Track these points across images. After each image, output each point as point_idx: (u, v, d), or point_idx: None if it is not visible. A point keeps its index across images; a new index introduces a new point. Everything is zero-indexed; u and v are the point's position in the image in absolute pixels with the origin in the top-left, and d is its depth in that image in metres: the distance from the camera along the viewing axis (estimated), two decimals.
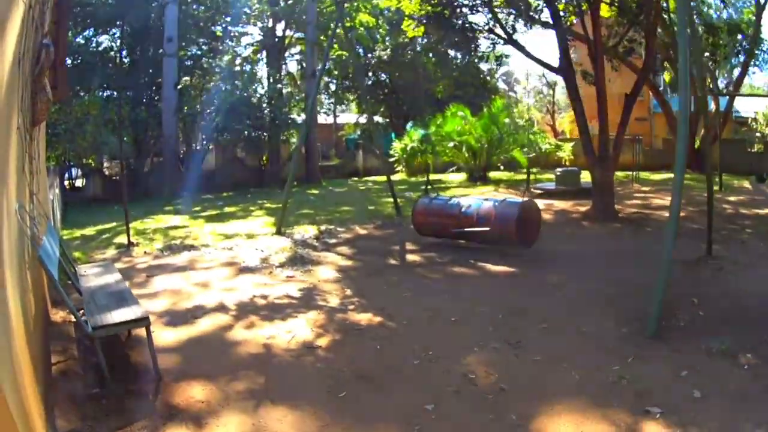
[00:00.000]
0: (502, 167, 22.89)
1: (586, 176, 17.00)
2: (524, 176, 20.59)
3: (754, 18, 21.61)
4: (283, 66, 30.64)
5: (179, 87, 21.45)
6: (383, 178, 22.99)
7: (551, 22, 12.66)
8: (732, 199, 14.38)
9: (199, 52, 25.34)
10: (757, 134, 25.56)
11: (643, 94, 32.97)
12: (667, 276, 5.16)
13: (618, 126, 12.35)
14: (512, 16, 14.76)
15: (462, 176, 21.44)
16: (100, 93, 21.73)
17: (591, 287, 6.52)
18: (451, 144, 20.80)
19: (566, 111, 42.22)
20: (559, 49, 12.45)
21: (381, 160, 18.85)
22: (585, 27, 13.00)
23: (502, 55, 15.91)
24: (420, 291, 6.59)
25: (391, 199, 13.15)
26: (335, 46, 30.55)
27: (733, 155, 19.57)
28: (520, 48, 14.68)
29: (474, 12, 14.53)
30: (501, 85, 44.81)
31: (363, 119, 33.73)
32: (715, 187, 16.63)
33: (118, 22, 22.95)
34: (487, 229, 8.21)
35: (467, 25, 14.49)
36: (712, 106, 24.45)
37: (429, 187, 10.56)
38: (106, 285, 5.20)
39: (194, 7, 24.67)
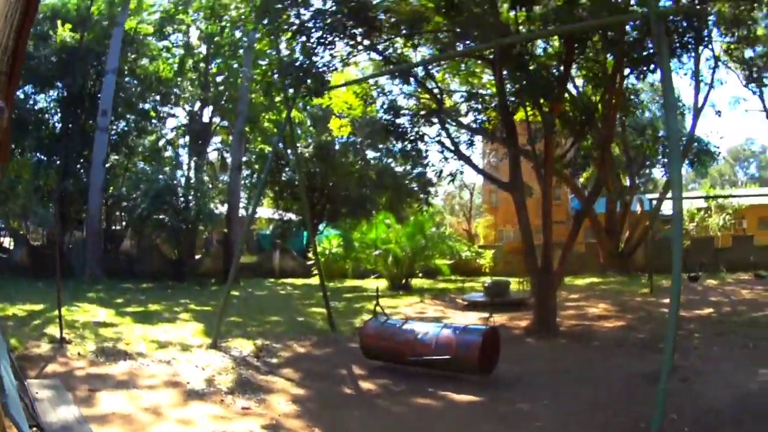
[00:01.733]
0: (421, 275, 23.14)
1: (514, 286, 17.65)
2: (446, 284, 21.03)
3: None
4: (206, 154, 30.30)
5: (107, 165, 20.79)
6: (300, 281, 22.89)
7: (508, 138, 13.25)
8: (667, 301, 15.32)
9: (126, 129, 24.72)
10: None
11: (561, 197, 35.34)
12: (664, 396, 5.31)
13: (566, 242, 12.98)
14: (467, 133, 15.71)
15: (383, 283, 21.60)
16: (33, 155, 20.80)
17: (567, 414, 6.54)
18: (376, 252, 20.94)
19: (481, 216, 44.07)
20: (511, 166, 13.12)
21: (297, 262, 18.77)
22: (534, 147, 13.71)
23: (457, 171, 16.31)
24: (393, 429, 6.33)
25: (319, 309, 12.87)
26: (258, 138, 30.80)
27: (661, 255, 20.15)
28: (470, 163, 15.39)
29: (428, 124, 15.03)
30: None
31: (276, 215, 33.47)
32: (646, 289, 17.86)
33: (57, 83, 22.23)
34: (448, 357, 8.03)
35: (419, 135, 14.94)
36: (638, 208, 26.44)
37: (377, 307, 10.43)
38: (68, 425, 4.61)
39: (127, 80, 24.22)
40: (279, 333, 11.61)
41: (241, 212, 37.64)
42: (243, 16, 17.45)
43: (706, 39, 17.92)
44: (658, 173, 31.38)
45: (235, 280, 22.02)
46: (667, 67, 7.02)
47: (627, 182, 26.47)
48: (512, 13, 13.31)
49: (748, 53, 21.89)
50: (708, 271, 21.84)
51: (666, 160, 24.12)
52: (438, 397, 7.56)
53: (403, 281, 21.00)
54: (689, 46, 14.26)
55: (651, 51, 12.01)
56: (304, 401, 7.31)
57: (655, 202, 24.03)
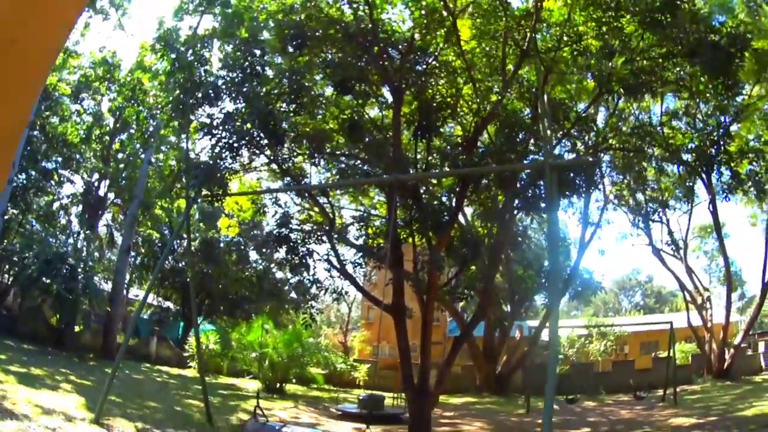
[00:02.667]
0: (295, 381, 23.42)
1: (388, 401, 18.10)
2: (320, 393, 21.44)
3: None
4: (96, 228, 29.66)
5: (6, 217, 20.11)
6: (175, 370, 22.46)
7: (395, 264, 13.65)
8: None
9: (26, 184, 24.03)
10: (560, 356, 28.93)
11: (439, 319, 36.16)
12: None
13: (445, 361, 13.92)
14: (355, 253, 16.29)
15: (257, 385, 21.72)
16: None
17: None
18: (254, 354, 21.22)
19: (358, 330, 44.50)
20: (394, 290, 13.76)
21: (173, 351, 18.59)
22: (417, 273, 14.34)
23: (341, 291, 16.74)
24: None
25: (196, 402, 13.05)
26: (149, 223, 30.62)
27: (539, 378, 21.60)
28: (355, 283, 16.22)
29: (318, 242, 15.46)
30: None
31: (156, 302, 32.72)
32: (522, 410, 18.56)
33: None
34: None
35: (309, 251, 15.18)
36: (517, 333, 27.77)
37: (258, 409, 11.01)
38: None
39: (35, 134, 23.85)
40: (158, 419, 11.72)
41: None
42: (160, 106, 17.78)
43: (597, 182, 20.35)
44: (539, 301, 33.49)
45: (111, 358, 21.42)
46: (555, 211, 8.27)
47: (508, 309, 28.26)
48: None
49: (638, 196, 24.96)
50: (586, 394, 22.73)
51: (547, 291, 25.74)
52: None
53: (278, 385, 21.28)
54: (580, 190, 15.93)
55: (542, 192, 13.16)
56: None
57: (533, 330, 25.91)
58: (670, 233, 29.74)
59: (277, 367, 21.35)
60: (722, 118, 20.86)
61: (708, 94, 17.67)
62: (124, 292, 25.20)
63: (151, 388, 16.39)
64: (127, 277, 27.51)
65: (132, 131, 27.25)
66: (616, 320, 42.20)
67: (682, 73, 16.12)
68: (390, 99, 15.15)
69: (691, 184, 24.75)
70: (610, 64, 14.61)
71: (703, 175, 21.64)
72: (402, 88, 14.23)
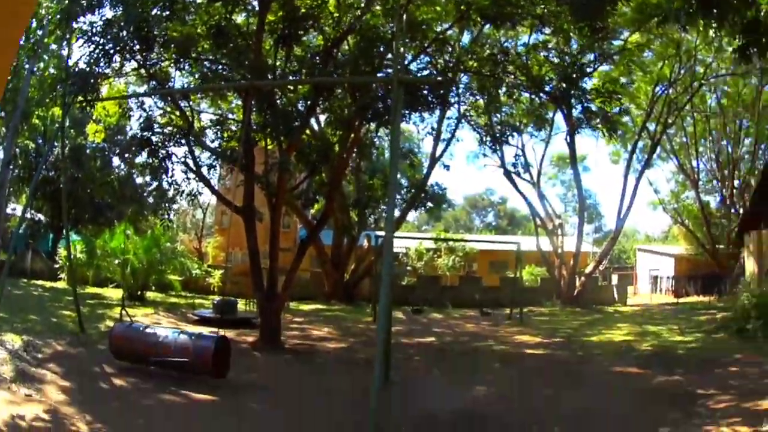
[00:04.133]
0: (154, 288, 23.69)
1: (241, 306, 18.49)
2: (177, 299, 22.02)
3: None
4: None
5: None
6: (48, 283, 22.38)
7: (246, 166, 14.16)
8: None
9: None
10: (408, 268, 30.24)
11: (290, 225, 35.87)
12: (376, 401, 6.59)
13: (290, 270, 14.53)
14: (211, 157, 16.52)
15: (120, 292, 22.17)
16: None
17: (293, 414, 8.29)
18: (117, 261, 21.45)
19: (212, 236, 44.41)
20: (245, 193, 14.24)
21: (46, 264, 18.44)
22: (268, 178, 14.70)
23: (196, 192, 17.17)
24: (150, 418, 7.77)
25: (68, 312, 13.77)
26: (26, 134, 28.66)
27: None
28: (209, 185, 16.39)
29: (178, 145, 15.66)
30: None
31: (28, 214, 31.23)
32: (370, 318, 19.15)
33: None
34: (186, 360, 9.17)
35: (168, 153, 15.43)
36: (365, 243, 27.84)
37: (123, 311, 11.92)
38: None
39: None
40: (39, 331, 12.28)
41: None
42: (49, 17, 17.03)
43: (452, 101, 21.48)
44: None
45: None
46: (397, 124, 8.60)
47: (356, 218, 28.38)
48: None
49: (494, 119, 25.59)
50: (433, 306, 23.47)
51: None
52: (180, 395, 8.95)
53: (139, 293, 21.53)
54: (431, 106, 16.84)
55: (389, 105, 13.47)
56: (72, 392, 8.48)
57: (381, 239, 27.29)
58: (516, 157, 30.38)
59: (138, 273, 21.51)
60: (588, 57, 22.19)
61: (571, 34, 18.88)
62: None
63: (30, 303, 16.49)
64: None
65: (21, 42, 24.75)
66: (467, 237, 42.87)
67: (546, 10, 16.97)
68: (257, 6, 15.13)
69: (546, 114, 26.39)
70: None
71: (564, 108, 22.92)
72: None
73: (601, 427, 7.98)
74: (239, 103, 18.80)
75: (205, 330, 12.83)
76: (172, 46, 14.83)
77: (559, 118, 27.34)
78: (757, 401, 8.42)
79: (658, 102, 29.89)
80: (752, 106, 31.70)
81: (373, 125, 19.34)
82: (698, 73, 29.15)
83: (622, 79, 26.34)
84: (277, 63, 15.40)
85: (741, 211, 30.97)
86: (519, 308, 20.78)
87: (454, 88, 21.65)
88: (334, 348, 14.34)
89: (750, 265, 22.97)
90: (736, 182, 35.92)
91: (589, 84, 22.56)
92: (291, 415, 8.41)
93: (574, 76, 20.14)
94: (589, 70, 23.17)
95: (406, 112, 15.63)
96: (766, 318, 14.20)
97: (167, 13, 14.21)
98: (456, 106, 23.90)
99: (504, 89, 21.27)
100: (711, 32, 14.32)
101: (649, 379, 10.84)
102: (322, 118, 21.08)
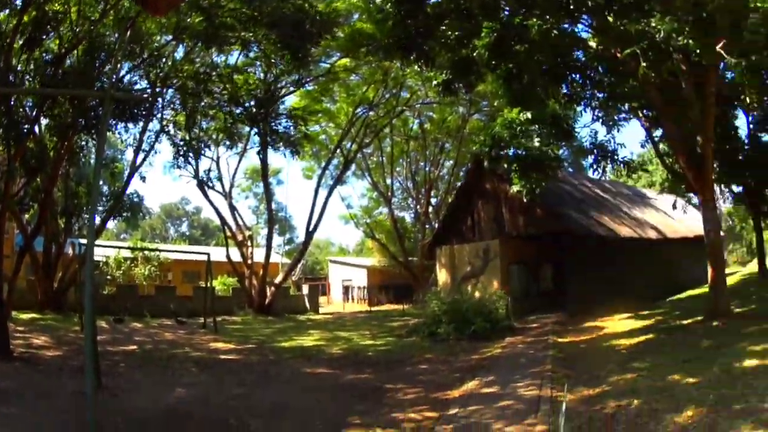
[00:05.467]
0: None
1: None
2: None
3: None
4: None
5: None
6: None
7: None
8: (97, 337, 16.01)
9: None
10: (108, 277, 28.21)
11: (9, 231, 31.80)
12: (93, 404, 6.58)
13: (11, 278, 14.36)
14: None
15: None
16: None
17: (16, 420, 7.87)
18: None
19: None
20: None
21: None
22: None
23: None
24: None
25: None
26: None
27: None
28: None
29: None
30: None
31: None
32: (77, 327, 17.91)
33: None
34: None
35: None
36: (70, 250, 26.50)
37: None
38: None
39: None
40: None
41: None
42: None
43: (156, 114, 22.39)
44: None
45: None
46: (104, 136, 9.52)
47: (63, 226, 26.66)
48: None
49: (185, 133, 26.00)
50: (132, 315, 22.78)
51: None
52: None
53: None
54: (137, 118, 17.92)
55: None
56: None
57: (84, 247, 25.59)
58: (207, 171, 31.05)
59: None
60: (292, 78, 24.92)
61: (273, 59, 21.20)
62: None
63: None
64: None
65: None
66: (162, 246, 42.57)
67: (253, 38, 19.10)
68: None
69: (242, 130, 28.11)
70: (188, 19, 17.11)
71: (260, 125, 24.94)
72: None
73: (293, 417, 8.97)
74: None
75: None
76: None
77: (254, 133, 28.85)
78: (446, 391, 9.83)
79: (357, 122, 32.10)
80: (456, 132, 34.94)
81: (83, 134, 19.33)
82: (403, 98, 32.00)
83: (323, 99, 29.28)
84: (19, 66, 15.24)
85: (436, 226, 33.03)
86: (213, 317, 21.21)
87: (159, 100, 22.60)
88: (52, 356, 13.76)
89: (442, 276, 26.64)
90: (433, 200, 39.80)
91: (288, 103, 25.77)
92: (14, 423, 8.00)
93: (267, 96, 22.83)
94: (285, 92, 26.30)
95: (113, 122, 16.75)
96: (457, 322, 16.58)
97: None
98: (158, 117, 24.26)
99: (204, 104, 22.87)
100: (416, 66, 17.37)
101: (339, 377, 11.95)
102: (44, 122, 19.92)
